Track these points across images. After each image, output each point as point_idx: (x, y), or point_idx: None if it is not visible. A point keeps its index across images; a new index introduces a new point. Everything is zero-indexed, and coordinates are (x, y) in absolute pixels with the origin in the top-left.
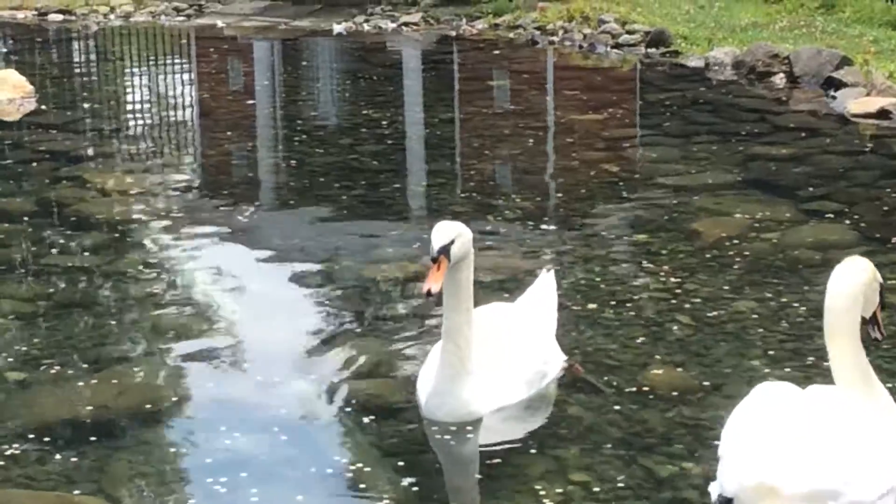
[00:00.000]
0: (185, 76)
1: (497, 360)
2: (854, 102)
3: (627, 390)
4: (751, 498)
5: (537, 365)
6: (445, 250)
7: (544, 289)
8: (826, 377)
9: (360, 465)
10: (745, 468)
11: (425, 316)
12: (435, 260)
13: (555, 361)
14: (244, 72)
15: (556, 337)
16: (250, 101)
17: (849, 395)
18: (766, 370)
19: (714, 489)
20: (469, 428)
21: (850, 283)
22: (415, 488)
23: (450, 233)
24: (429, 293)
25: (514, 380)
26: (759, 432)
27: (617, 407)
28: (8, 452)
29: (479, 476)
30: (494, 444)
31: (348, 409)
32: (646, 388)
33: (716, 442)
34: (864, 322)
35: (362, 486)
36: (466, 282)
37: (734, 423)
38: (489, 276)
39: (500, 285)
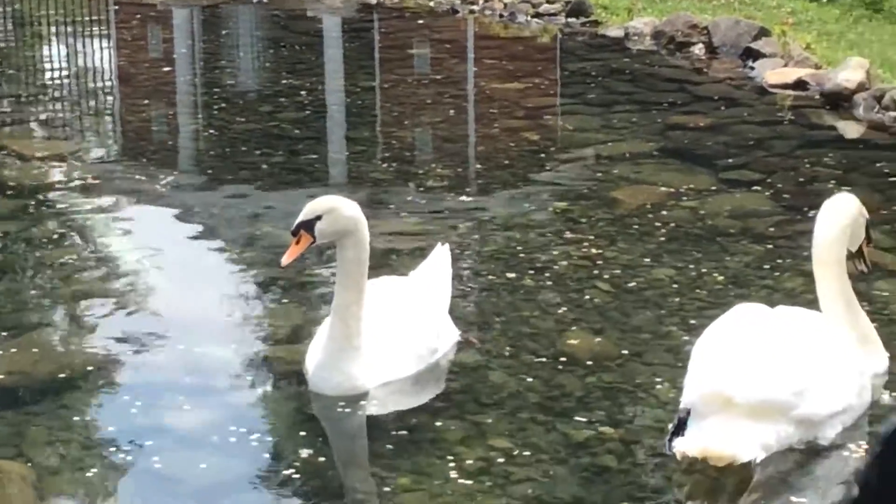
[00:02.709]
0: (104, 42)
1: (386, 334)
2: (772, 73)
3: (546, 356)
4: (707, 406)
5: (428, 339)
6: (305, 226)
7: (438, 262)
8: None
9: (271, 432)
10: (703, 379)
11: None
12: (295, 234)
13: (447, 335)
14: (164, 39)
15: (474, 304)
16: (170, 69)
17: (830, 320)
18: (685, 337)
19: (681, 402)
20: (375, 398)
21: (838, 217)
22: (321, 458)
23: (316, 209)
24: (280, 265)
25: (404, 354)
26: (721, 347)
27: (536, 373)
28: None
29: (391, 445)
30: (411, 411)
31: (266, 376)
32: (565, 355)
33: (634, 407)
34: (851, 256)
35: (268, 453)
36: (355, 259)
37: (702, 340)
38: (409, 244)
39: (421, 253)
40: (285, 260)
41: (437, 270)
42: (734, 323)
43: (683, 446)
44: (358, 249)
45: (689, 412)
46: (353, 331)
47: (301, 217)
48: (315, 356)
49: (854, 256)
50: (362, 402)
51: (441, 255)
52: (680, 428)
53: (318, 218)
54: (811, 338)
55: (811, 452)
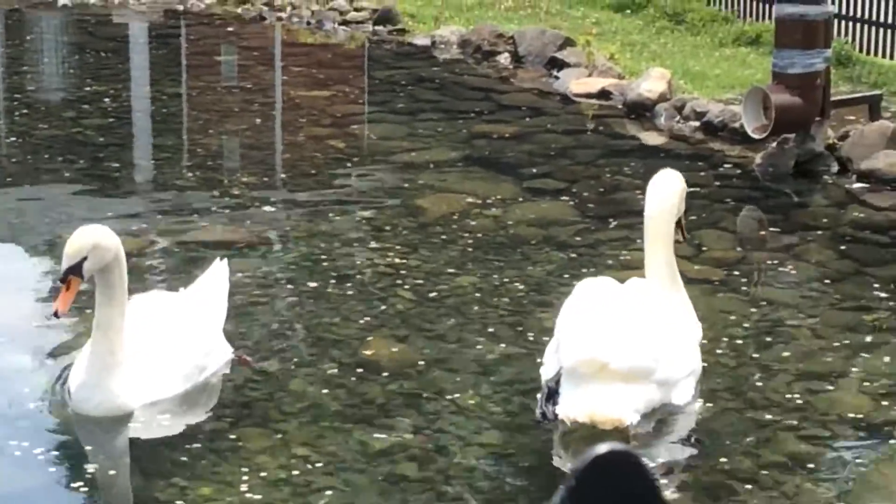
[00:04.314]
0: None
1: (152, 352)
2: (576, 82)
3: (349, 364)
4: (584, 372)
5: (196, 357)
6: (74, 270)
7: (214, 278)
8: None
9: (59, 446)
10: (579, 347)
11: (150, 288)
12: (64, 280)
13: (217, 353)
14: None
15: (273, 313)
16: None
17: (658, 288)
18: (487, 344)
19: (544, 373)
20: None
21: (668, 192)
22: (111, 471)
23: (79, 250)
24: (56, 314)
25: (170, 372)
26: (592, 318)
27: (338, 380)
28: None
29: (191, 455)
30: (209, 420)
31: (58, 388)
32: (367, 362)
33: (436, 414)
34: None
35: (56, 467)
36: (119, 279)
37: (567, 311)
38: (213, 252)
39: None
40: (62, 309)
41: (211, 286)
42: (593, 296)
43: (569, 411)
44: (120, 269)
45: (557, 381)
46: (115, 346)
47: (66, 262)
48: (77, 375)
49: (676, 227)
50: (143, 417)
51: (218, 271)
52: (551, 396)
53: (84, 258)
54: (660, 309)
55: (668, 411)
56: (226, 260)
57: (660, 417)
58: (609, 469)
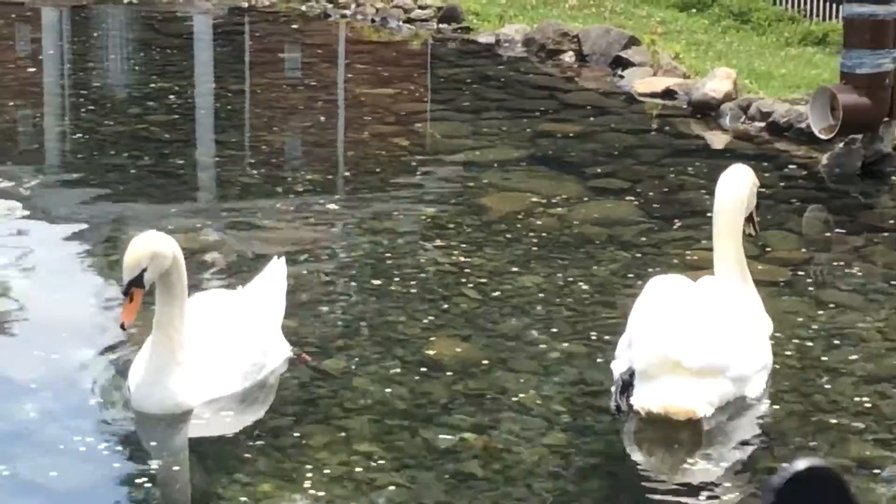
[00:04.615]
0: None
1: (211, 350)
2: (640, 82)
3: (412, 362)
4: (656, 370)
5: (255, 356)
6: (135, 282)
7: (272, 276)
8: (610, 353)
9: (124, 441)
10: (651, 345)
11: (213, 286)
12: (126, 293)
13: (276, 352)
14: (32, 39)
15: (341, 310)
16: (38, 69)
17: (731, 284)
18: (550, 344)
19: (616, 367)
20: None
21: (739, 187)
22: (175, 467)
23: (139, 262)
24: (122, 326)
25: (229, 371)
26: (663, 315)
27: (401, 379)
28: None
29: (253, 452)
30: (268, 418)
31: (125, 384)
32: (431, 361)
33: (499, 414)
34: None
35: (120, 462)
36: (178, 280)
37: (640, 308)
38: (277, 249)
39: (290, 258)
40: (127, 321)
41: (269, 284)
42: (665, 293)
43: (644, 402)
44: (178, 271)
45: (632, 374)
46: (175, 344)
47: (127, 275)
48: (137, 373)
49: (746, 222)
50: (203, 415)
51: (276, 269)
52: (626, 388)
53: (144, 269)
54: (732, 305)
55: (740, 406)
56: (283, 258)
57: (730, 413)
58: (809, 485)
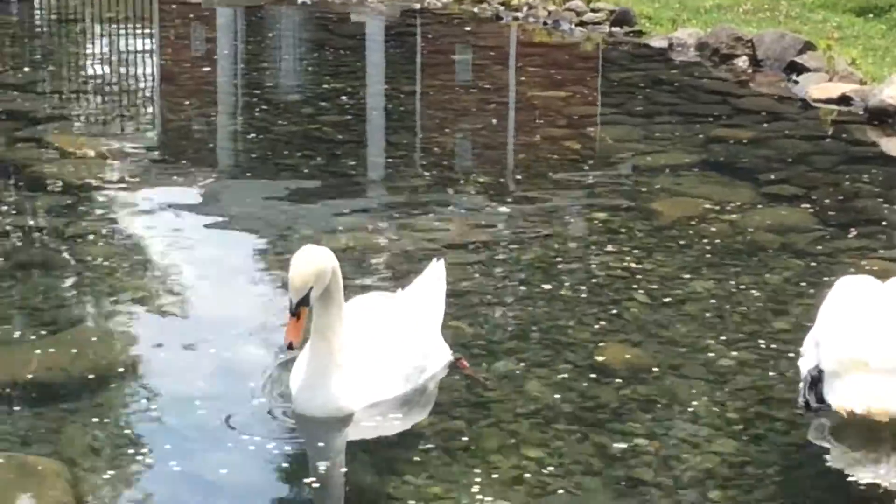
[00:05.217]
0: (147, 41)
1: (372, 354)
2: (816, 87)
3: (582, 367)
4: (845, 370)
5: (416, 359)
6: (303, 302)
7: (432, 279)
8: (782, 361)
9: (293, 439)
10: (840, 346)
11: (381, 286)
12: (294, 313)
13: (437, 356)
14: (207, 38)
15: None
16: (212, 69)
17: None
18: (722, 351)
19: (804, 364)
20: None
21: None
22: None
23: (306, 282)
24: (290, 346)
25: (391, 374)
26: (852, 316)
27: (571, 383)
28: None
29: (423, 454)
30: (440, 419)
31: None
32: (601, 366)
33: (670, 420)
34: None
35: (289, 462)
36: (336, 287)
37: (828, 307)
38: (446, 251)
39: (459, 260)
40: (295, 341)
41: (429, 287)
42: (853, 293)
43: (845, 402)
44: (336, 280)
45: (820, 371)
46: (334, 347)
47: (295, 296)
48: (299, 377)
49: None
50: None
51: (435, 272)
52: (814, 384)
53: (311, 288)
54: None
55: None
56: (443, 260)
57: None
58: None
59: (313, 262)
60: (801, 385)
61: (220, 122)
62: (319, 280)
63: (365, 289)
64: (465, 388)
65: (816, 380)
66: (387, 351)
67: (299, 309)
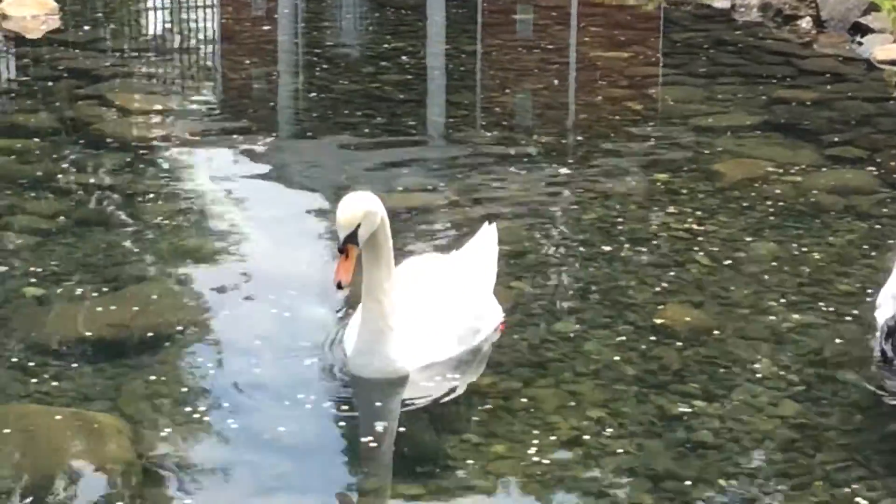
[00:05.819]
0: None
1: (426, 315)
2: (880, 49)
3: (643, 328)
4: None
5: (469, 320)
6: (351, 239)
7: (484, 242)
8: (845, 323)
9: (349, 399)
10: None
11: (444, 246)
12: (342, 250)
13: (490, 317)
14: None
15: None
16: (273, 28)
17: None
18: (784, 313)
19: (880, 315)
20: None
21: None
22: (402, 428)
23: (354, 219)
24: (339, 285)
25: (445, 335)
26: None
27: (632, 344)
28: (25, 368)
29: (485, 413)
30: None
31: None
32: (662, 327)
33: (731, 382)
34: None
35: (345, 421)
36: (384, 240)
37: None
38: (507, 211)
39: (520, 220)
40: (345, 279)
41: (481, 250)
42: None
43: None
44: (385, 232)
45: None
46: (386, 309)
47: (343, 233)
48: (352, 339)
49: None
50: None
51: (487, 234)
52: (891, 334)
53: (358, 226)
54: None
55: None
56: (495, 224)
57: None
58: None
59: (362, 203)
60: (878, 335)
61: (280, 81)
62: (367, 220)
63: (423, 248)
64: (525, 349)
65: (893, 329)
66: (440, 312)
67: (346, 246)
